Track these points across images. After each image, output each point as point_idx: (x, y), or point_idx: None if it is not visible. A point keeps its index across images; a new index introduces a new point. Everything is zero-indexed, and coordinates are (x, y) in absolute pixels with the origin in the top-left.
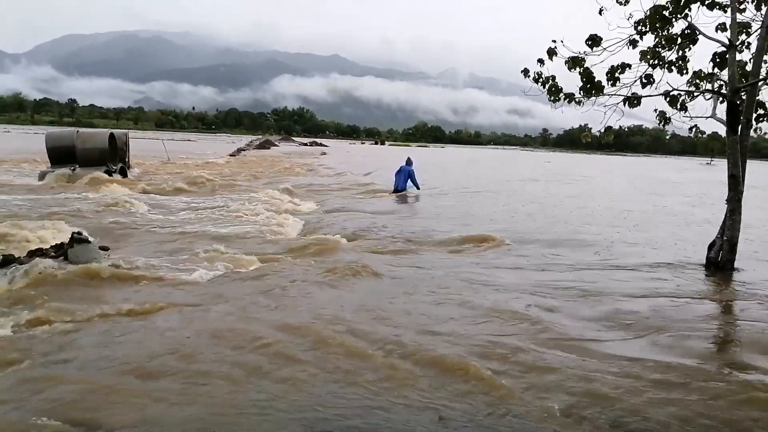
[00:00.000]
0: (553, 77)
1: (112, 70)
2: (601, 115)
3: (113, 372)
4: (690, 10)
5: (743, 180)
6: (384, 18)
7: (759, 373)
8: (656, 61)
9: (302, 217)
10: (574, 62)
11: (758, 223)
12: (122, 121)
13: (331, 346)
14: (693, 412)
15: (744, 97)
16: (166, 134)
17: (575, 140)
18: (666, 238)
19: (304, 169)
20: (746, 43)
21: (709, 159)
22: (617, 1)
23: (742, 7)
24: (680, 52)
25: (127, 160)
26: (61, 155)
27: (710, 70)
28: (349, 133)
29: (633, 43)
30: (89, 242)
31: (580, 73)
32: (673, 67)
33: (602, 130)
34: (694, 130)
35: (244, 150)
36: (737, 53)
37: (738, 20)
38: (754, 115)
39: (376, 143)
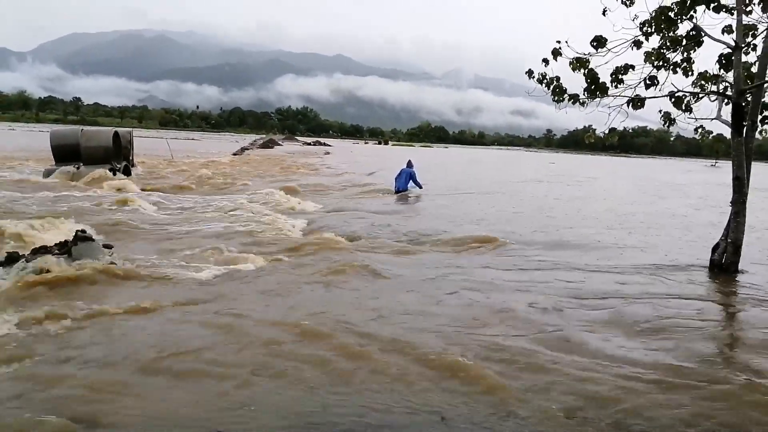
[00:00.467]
0: (558, 78)
1: (117, 69)
2: (605, 116)
3: (116, 369)
4: (695, 12)
5: (748, 182)
6: (388, 18)
7: (763, 375)
8: (661, 63)
9: (305, 216)
10: (578, 63)
11: (763, 226)
12: (126, 119)
13: (331, 345)
14: (696, 414)
15: (749, 99)
16: (170, 133)
17: (579, 141)
18: (670, 240)
19: (307, 169)
20: (752, 45)
21: (714, 161)
22: (622, 2)
23: (748, 9)
24: (685, 54)
25: (131, 158)
26: (65, 153)
27: (716, 72)
28: (353, 133)
29: (637, 44)
30: (93, 240)
31: (584, 74)
32: (678, 69)
33: (606, 132)
34: (700, 130)
35: (247, 149)
36: (743, 55)
37: (744, 22)
38: (759, 117)
39: (379, 143)
